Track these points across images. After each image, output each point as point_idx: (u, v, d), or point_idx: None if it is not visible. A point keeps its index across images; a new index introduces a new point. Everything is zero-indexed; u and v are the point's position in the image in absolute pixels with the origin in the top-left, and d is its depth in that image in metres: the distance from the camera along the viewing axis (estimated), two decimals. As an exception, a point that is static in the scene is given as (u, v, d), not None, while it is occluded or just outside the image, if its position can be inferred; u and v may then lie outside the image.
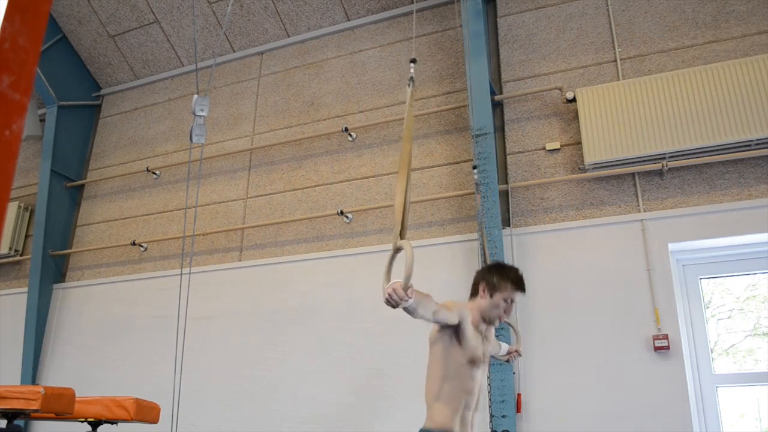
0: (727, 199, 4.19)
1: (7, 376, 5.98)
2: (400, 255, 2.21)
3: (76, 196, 6.88)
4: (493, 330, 2.89)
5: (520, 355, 3.09)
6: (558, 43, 5.06)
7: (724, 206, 4.15)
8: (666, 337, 3.95)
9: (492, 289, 2.67)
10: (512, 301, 2.68)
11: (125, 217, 6.49)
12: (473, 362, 2.57)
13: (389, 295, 2.06)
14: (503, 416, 4.11)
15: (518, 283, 2.69)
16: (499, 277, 2.68)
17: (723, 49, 4.50)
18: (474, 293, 2.75)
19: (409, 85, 2.69)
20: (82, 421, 3.74)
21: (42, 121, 7.14)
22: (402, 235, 2.20)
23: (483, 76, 4.77)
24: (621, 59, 4.78)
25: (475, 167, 3.68)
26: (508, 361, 3.10)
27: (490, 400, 4.20)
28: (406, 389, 4.56)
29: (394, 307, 2.10)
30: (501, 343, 3.09)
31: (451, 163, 5.07)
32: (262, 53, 6.42)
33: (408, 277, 2.06)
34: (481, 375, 2.72)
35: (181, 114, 6.66)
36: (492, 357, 2.95)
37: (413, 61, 2.84)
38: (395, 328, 4.64)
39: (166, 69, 6.87)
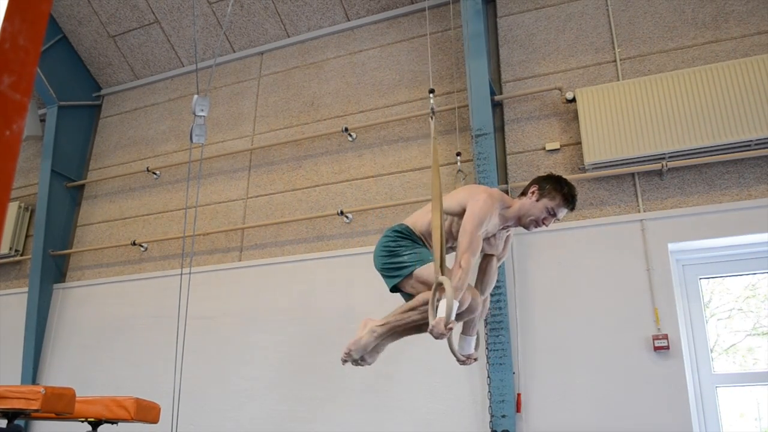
0: (727, 199, 4.19)
1: (7, 376, 5.98)
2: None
3: (77, 196, 6.88)
4: (509, 239, 2.94)
5: (476, 359, 2.97)
6: (558, 44, 5.06)
7: (724, 206, 4.15)
8: (666, 337, 3.96)
9: (541, 194, 2.70)
10: (554, 213, 2.70)
11: (125, 217, 6.49)
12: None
13: (432, 332, 2.37)
14: (503, 416, 4.11)
15: (568, 199, 2.70)
16: (553, 186, 2.70)
17: (723, 50, 4.50)
18: (523, 193, 2.77)
19: (431, 117, 2.73)
20: (83, 421, 3.74)
21: (42, 121, 7.14)
22: (442, 271, 2.34)
23: (483, 76, 4.77)
24: (621, 59, 4.78)
25: (458, 154, 3.83)
26: (463, 363, 2.90)
27: (490, 400, 4.21)
28: (406, 389, 4.56)
29: (448, 334, 2.39)
30: (472, 341, 2.95)
31: (451, 163, 5.06)
32: (262, 53, 6.43)
33: (449, 315, 2.33)
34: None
35: (181, 114, 6.67)
36: (460, 353, 2.89)
37: (432, 91, 2.86)
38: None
39: (166, 69, 6.87)
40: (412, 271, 2.65)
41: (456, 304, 2.41)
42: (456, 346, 2.87)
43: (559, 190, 2.69)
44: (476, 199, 2.62)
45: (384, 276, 2.77)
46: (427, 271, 2.61)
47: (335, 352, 4.85)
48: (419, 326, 2.75)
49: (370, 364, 2.83)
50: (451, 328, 2.38)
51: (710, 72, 4.31)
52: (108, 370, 5.76)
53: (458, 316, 2.64)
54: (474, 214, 2.58)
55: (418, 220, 2.83)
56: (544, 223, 2.71)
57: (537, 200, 2.70)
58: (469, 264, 2.48)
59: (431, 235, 2.61)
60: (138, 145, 6.78)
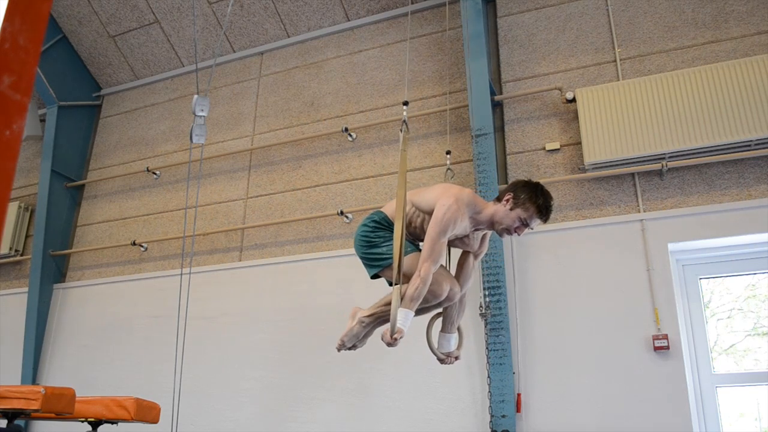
0: (727, 199, 4.19)
1: (7, 376, 5.98)
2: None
3: (77, 196, 6.88)
4: (486, 238, 2.90)
5: (457, 358, 2.94)
6: (558, 44, 5.06)
7: (724, 206, 4.16)
8: (666, 337, 3.96)
9: (515, 203, 2.62)
10: (527, 224, 2.63)
11: (125, 217, 6.49)
12: None
13: (382, 340, 2.47)
14: (503, 416, 4.11)
15: (542, 211, 2.62)
16: (528, 196, 2.62)
17: (723, 50, 4.50)
18: (499, 199, 2.70)
19: (401, 129, 2.72)
20: (83, 421, 3.75)
21: (42, 121, 7.14)
22: (398, 280, 2.37)
23: (483, 76, 4.77)
24: (621, 59, 4.78)
25: (448, 152, 3.85)
26: (442, 361, 2.90)
27: (490, 400, 4.21)
28: (406, 389, 4.57)
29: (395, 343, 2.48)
30: (452, 339, 2.93)
31: (450, 163, 5.06)
32: (262, 53, 6.43)
33: (393, 326, 2.43)
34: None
35: (181, 114, 6.67)
36: (440, 351, 2.90)
37: (405, 103, 2.86)
38: (395, 328, 4.64)
39: (166, 69, 6.87)
40: (391, 264, 2.69)
41: (410, 314, 2.49)
42: (435, 344, 2.87)
43: (534, 201, 2.60)
44: (442, 204, 2.58)
45: (364, 264, 2.84)
46: (407, 264, 2.64)
47: (335, 353, 4.87)
48: None
49: (361, 347, 2.99)
50: (396, 338, 2.44)
51: (710, 72, 4.31)
52: (108, 370, 5.76)
53: (426, 308, 2.75)
54: (438, 220, 2.56)
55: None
56: (516, 233, 2.65)
57: (510, 209, 2.62)
58: (428, 272, 2.51)
59: (406, 225, 2.66)
60: (138, 145, 6.78)
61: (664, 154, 4.30)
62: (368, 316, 2.87)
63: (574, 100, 4.73)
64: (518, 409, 4.17)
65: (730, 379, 4.11)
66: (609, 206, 4.50)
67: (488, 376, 4.25)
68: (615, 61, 4.80)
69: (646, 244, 4.25)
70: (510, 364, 4.24)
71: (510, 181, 4.76)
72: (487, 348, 4.30)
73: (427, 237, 2.56)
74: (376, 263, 2.75)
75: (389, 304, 2.78)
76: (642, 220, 4.33)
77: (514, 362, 4.28)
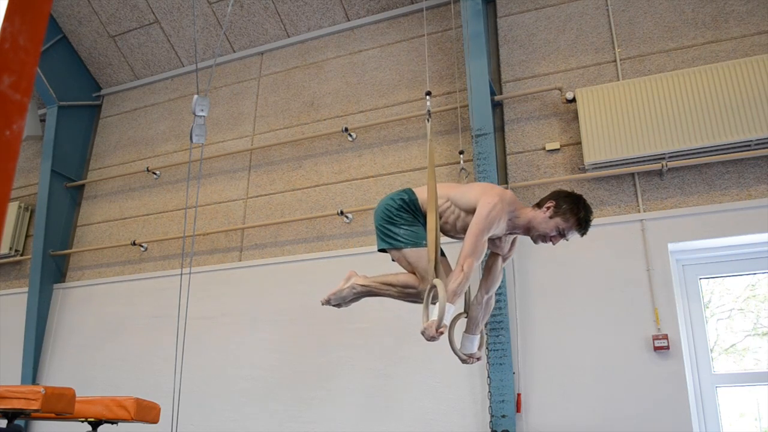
0: (727, 199, 4.19)
1: (7, 376, 5.98)
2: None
3: (77, 196, 6.88)
4: (515, 242, 2.89)
5: (478, 359, 2.93)
6: (558, 44, 5.06)
7: (724, 206, 4.16)
8: (666, 337, 3.96)
9: (556, 212, 2.63)
10: (564, 234, 2.64)
11: (125, 217, 6.49)
12: None
13: (423, 334, 2.35)
14: (503, 416, 4.11)
15: (582, 224, 2.64)
16: (570, 207, 2.63)
17: (723, 50, 4.50)
18: (539, 205, 2.70)
19: (427, 120, 2.72)
20: (83, 421, 3.75)
21: (42, 121, 7.14)
22: (437, 273, 2.33)
23: (483, 76, 4.77)
24: (621, 59, 4.78)
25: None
26: (464, 361, 2.90)
27: (490, 400, 4.21)
28: (406, 389, 4.57)
29: (438, 338, 2.37)
30: (475, 340, 2.92)
31: (451, 163, 5.07)
32: (262, 53, 6.43)
33: (440, 320, 2.32)
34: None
35: (181, 114, 6.67)
36: (463, 352, 2.88)
37: (428, 93, 2.84)
38: (395, 327, 4.64)
39: (166, 69, 6.87)
40: (402, 248, 2.67)
41: (451, 308, 2.42)
42: (457, 345, 2.87)
43: (575, 213, 2.61)
44: (487, 202, 2.56)
45: (377, 234, 2.81)
46: (416, 255, 2.62)
47: (335, 353, 4.88)
48: (395, 296, 2.83)
49: (345, 308, 3.04)
50: (441, 332, 2.37)
51: (710, 72, 4.31)
52: (108, 370, 5.76)
53: (414, 301, 2.71)
54: (482, 217, 2.53)
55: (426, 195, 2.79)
56: (551, 241, 2.66)
57: (550, 217, 2.62)
58: (471, 268, 2.46)
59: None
60: (138, 145, 6.78)
61: (664, 154, 4.30)
62: (363, 285, 2.84)
63: (574, 100, 4.73)
64: (518, 409, 4.17)
65: (730, 379, 4.11)
66: (609, 206, 4.50)
67: (488, 376, 4.25)
68: (615, 61, 4.80)
69: (646, 244, 4.25)
70: (510, 364, 4.24)
71: (510, 181, 4.78)
72: (487, 348, 4.30)
73: (470, 234, 2.53)
74: (389, 240, 2.73)
75: (387, 284, 2.76)
76: (642, 220, 4.33)
77: (514, 362, 4.28)
